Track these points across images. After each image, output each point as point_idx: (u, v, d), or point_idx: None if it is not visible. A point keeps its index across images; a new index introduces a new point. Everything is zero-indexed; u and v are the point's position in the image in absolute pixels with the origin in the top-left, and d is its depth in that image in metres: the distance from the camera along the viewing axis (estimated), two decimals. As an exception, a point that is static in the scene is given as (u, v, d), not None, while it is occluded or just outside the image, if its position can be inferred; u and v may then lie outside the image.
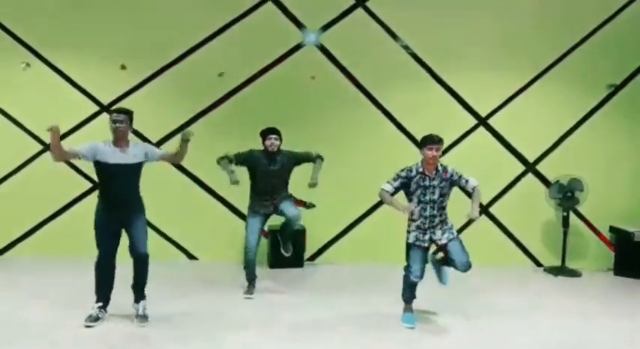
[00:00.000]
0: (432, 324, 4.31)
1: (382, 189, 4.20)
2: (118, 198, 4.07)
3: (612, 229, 6.29)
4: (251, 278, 4.94)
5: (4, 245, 6.11)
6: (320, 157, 5.01)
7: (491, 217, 6.36)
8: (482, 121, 6.33)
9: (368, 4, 6.19)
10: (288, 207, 4.84)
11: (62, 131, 5.91)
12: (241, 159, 4.86)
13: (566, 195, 6.02)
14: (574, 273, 6.03)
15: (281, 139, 4.84)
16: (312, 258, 6.25)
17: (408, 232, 4.23)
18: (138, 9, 6.06)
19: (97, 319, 4.07)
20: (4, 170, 6.07)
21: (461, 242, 4.18)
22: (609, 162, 6.34)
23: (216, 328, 4.10)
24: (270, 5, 6.13)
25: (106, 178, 4.10)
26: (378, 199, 6.24)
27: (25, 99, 6.03)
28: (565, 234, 6.12)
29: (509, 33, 6.21)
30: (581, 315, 4.66)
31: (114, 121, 4.03)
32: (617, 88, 6.32)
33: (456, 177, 4.15)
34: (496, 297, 5.08)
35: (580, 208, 6.26)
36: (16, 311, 4.33)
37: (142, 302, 4.21)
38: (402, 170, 4.18)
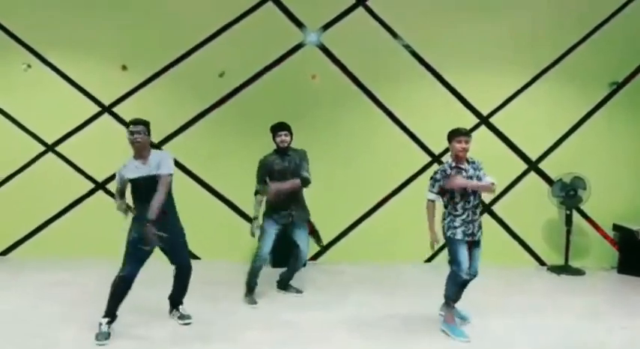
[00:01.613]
0: (434, 324, 4.30)
1: (427, 200, 4.14)
2: (146, 212, 3.75)
3: (616, 227, 6.27)
4: (252, 287, 4.77)
5: (8, 245, 6.12)
6: (304, 179, 4.63)
7: (494, 216, 6.34)
8: (484, 120, 6.30)
9: (368, 3, 6.18)
10: (302, 240, 4.80)
11: (63, 132, 6.06)
12: (261, 176, 4.76)
13: (569, 194, 6.00)
14: (577, 272, 6.01)
15: (291, 135, 4.74)
16: (315, 257, 6.24)
17: (454, 228, 4.05)
18: (138, 9, 6.06)
19: (108, 336, 3.81)
20: (6, 171, 6.08)
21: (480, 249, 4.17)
22: (612, 160, 6.31)
23: (217, 328, 4.10)
24: (270, 5, 6.13)
25: (134, 194, 3.95)
26: (380, 199, 6.34)
27: (26, 100, 6.05)
28: (568, 232, 6.09)
29: (511, 31, 6.18)
30: (584, 314, 4.65)
31: (131, 133, 3.85)
32: (620, 86, 6.30)
33: (482, 171, 4.15)
34: (499, 296, 5.06)
35: (583, 206, 6.24)
36: (18, 311, 4.34)
37: (180, 307, 4.24)
38: (436, 172, 4.12)
